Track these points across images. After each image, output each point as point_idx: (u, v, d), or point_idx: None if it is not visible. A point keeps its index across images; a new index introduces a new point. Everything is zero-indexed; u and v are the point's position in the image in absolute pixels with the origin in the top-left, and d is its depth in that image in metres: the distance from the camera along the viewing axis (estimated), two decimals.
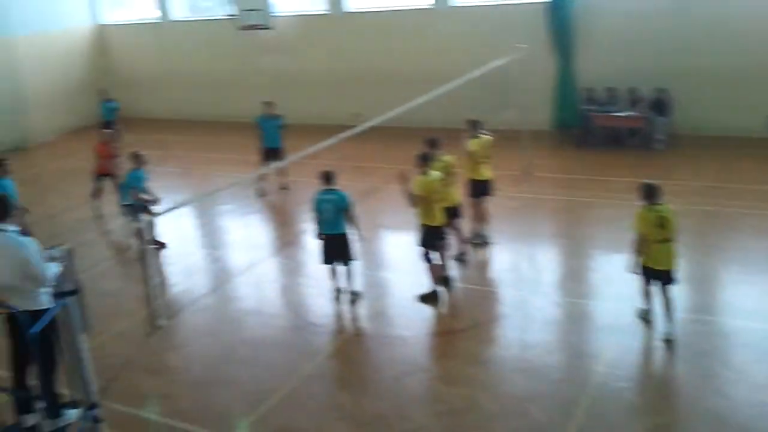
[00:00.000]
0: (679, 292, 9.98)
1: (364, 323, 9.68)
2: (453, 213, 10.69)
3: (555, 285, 10.47)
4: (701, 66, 16.37)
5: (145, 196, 11.94)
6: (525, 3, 17.97)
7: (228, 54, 22.21)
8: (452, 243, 10.74)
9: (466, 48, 18.24)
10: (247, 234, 13.25)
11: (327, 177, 9.94)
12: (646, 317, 8.94)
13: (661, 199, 8.44)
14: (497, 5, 18.39)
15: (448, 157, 10.64)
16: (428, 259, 9.93)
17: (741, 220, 12.02)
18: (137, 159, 12.23)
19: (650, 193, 8.38)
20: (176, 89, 23.41)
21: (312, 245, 12.60)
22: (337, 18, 20.44)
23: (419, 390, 8.07)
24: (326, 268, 10.17)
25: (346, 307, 10.11)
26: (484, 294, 10.36)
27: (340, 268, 10.15)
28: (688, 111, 16.58)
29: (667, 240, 8.37)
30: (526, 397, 7.72)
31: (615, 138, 16.83)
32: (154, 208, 11.90)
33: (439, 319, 9.66)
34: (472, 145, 11.36)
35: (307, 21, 21.06)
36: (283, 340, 9.35)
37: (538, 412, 7.47)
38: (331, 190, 9.89)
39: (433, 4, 19.12)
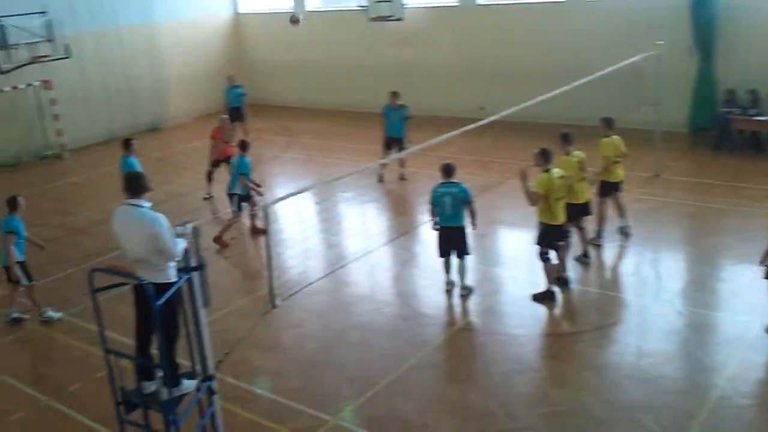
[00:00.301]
0: None
1: (475, 318, 9.58)
2: (581, 211, 10.49)
3: (678, 293, 9.95)
4: None
5: (251, 185, 12.39)
6: None
7: (357, 44, 22.54)
8: (575, 242, 10.52)
9: (600, 44, 17.61)
10: (363, 222, 13.43)
11: (447, 170, 9.93)
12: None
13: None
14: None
15: (579, 153, 10.40)
16: (546, 258, 9.69)
17: None
18: (243, 146, 12.53)
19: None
20: (305, 78, 24.01)
21: (427, 236, 12.68)
22: (467, 10, 20.29)
23: (527, 389, 7.91)
24: (441, 260, 10.13)
25: (457, 301, 10.06)
26: (603, 297, 10.01)
27: (455, 262, 10.08)
28: None
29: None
30: (639, 407, 7.41)
31: (754, 143, 15.83)
32: (257, 197, 12.34)
33: (554, 319, 9.44)
34: (604, 146, 11.05)
35: (437, 12, 21.03)
36: (392, 328, 9.41)
37: (650, 422, 7.15)
38: (451, 183, 9.87)
39: None
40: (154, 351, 7.34)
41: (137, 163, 11.94)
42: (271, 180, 15.51)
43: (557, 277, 9.89)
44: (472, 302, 10.01)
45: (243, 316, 9.80)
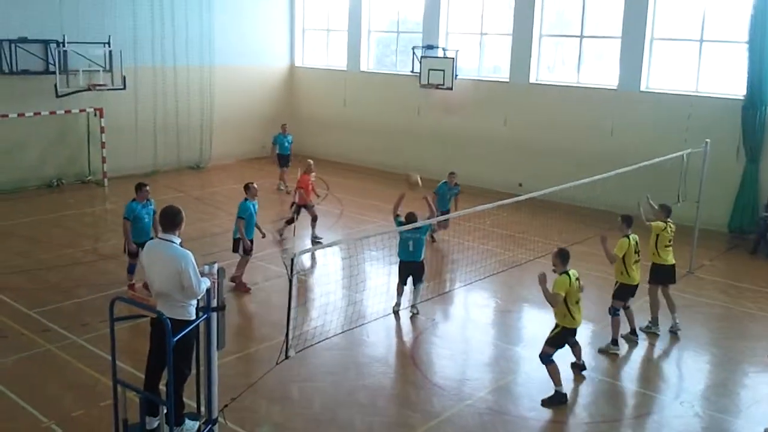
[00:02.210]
0: None
1: (489, 395, 9.40)
2: (631, 292, 10.89)
3: (699, 395, 9.68)
4: None
5: (242, 231, 12.31)
6: (721, 97, 17.20)
7: (405, 108, 22.89)
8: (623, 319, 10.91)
9: (648, 135, 17.69)
10: (388, 282, 13.39)
11: (410, 219, 11.44)
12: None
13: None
14: (690, 95, 17.71)
15: (635, 236, 10.72)
16: (548, 361, 9.32)
17: None
18: (247, 189, 12.61)
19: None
20: (349, 135, 24.38)
21: (449, 305, 12.61)
22: (518, 87, 20.52)
23: None
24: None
25: (472, 374, 9.92)
26: (622, 390, 9.78)
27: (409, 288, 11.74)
28: None
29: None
30: None
31: None
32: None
33: (568, 407, 9.21)
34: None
35: (488, 86, 21.31)
36: (403, 394, 9.28)
37: None
38: (416, 229, 11.09)
39: (616, 87, 18.75)
40: (162, 387, 7.33)
41: (138, 208, 11.80)
42: (300, 231, 15.60)
43: (573, 363, 9.94)
44: (487, 379, 9.86)
45: (255, 362, 9.76)
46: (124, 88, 20.06)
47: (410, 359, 10.39)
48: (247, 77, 24.46)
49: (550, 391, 9.30)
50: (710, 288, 13.48)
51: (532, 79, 20.37)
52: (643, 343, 11.15)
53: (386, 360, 10.29)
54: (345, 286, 13.01)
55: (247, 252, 12.42)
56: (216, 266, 7.14)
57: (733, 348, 11.14)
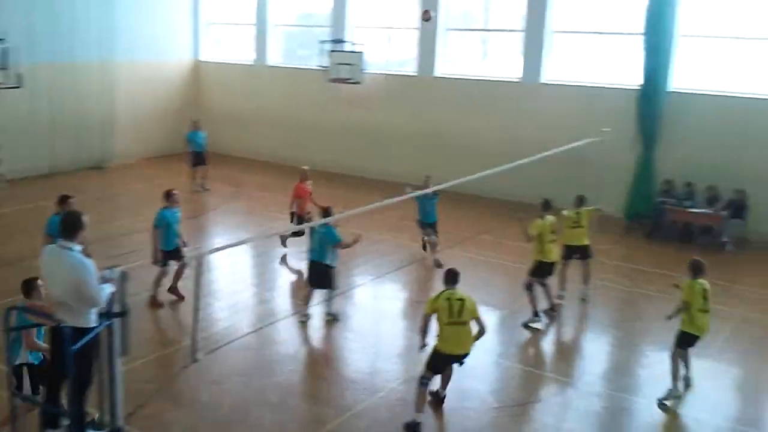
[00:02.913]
0: (728, 401, 9.58)
1: (400, 386, 9.51)
2: (549, 269, 11.57)
3: (600, 375, 10.11)
4: None
5: (156, 241, 11.56)
6: (617, 88, 17.87)
7: (314, 103, 22.80)
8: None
9: (550, 125, 18.20)
10: (299, 279, 13.36)
11: (325, 213, 11.14)
12: (674, 397, 9.18)
13: (705, 275, 9.26)
14: (588, 86, 18.34)
15: (551, 218, 11.52)
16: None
17: None
18: (167, 197, 11.78)
19: (699, 269, 9.26)
20: (258, 130, 24.11)
21: (361, 299, 12.69)
22: (425, 81, 20.75)
23: None
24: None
25: (383, 366, 10.03)
26: (527, 374, 10.09)
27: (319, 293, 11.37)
28: (765, 216, 16.04)
29: (708, 310, 9.18)
30: None
31: (686, 234, 16.37)
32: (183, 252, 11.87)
33: (477, 393, 9.43)
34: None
35: (395, 80, 21.46)
36: (314, 390, 9.31)
37: None
38: (324, 224, 10.89)
39: (520, 78, 19.23)
40: (63, 398, 7.11)
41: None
42: (209, 230, 15.37)
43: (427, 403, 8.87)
44: (399, 370, 9.99)
45: (162, 367, 9.56)
46: (20, 86, 19.19)
47: (321, 355, 10.42)
48: (149, 73, 23.79)
49: (461, 378, 9.52)
50: (610, 272, 14.03)
51: (438, 73, 20.64)
52: (545, 327, 11.53)
53: (297, 357, 10.28)
54: (255, 284, 12.91)
55: (158, 262, 11.67)
56: (117, 271, 6.96)
57: (632, 329, 11.66)
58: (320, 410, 8.79)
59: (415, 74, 21.02)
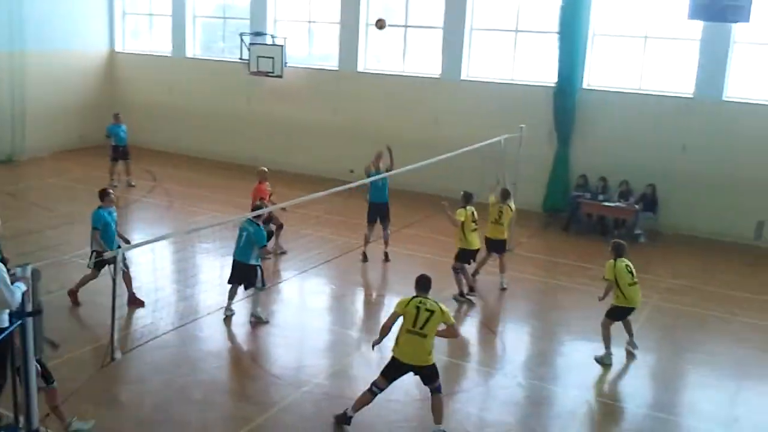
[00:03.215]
0: (642, 388, 9.99)
1: (326, 380, 9.54)
2: (472, 255, 12.34)
3: (521, 365, 10.39)
4: (692, 169, 16.64)
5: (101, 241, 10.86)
6: (534, 85, 18.31)
7: (235, 96, 22.48)
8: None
9: (470, 121, 18.50)
10: (221, 275, 13.18)
11: (255, 209, 11.22)
12: (605, 360, 10.18)
13: (627, 254, 10.34)
14: (507, 83, 18.70)
15: (472, 208, 12.19)
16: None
17: (713, 323, 12.04)
18: (102, 196, 11.21)
19: (620, 250, 10.33)
20: (177, 123, 23.58)
21: (285, 294, 12.63)
22: (347, 76, 20.75)
23: None
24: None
25: (308, 362, 10.04)
26: (450, 365, 10.24)
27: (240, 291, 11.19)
28: (674, 210, 16.79)
29: (635, 283, 10.21)
30: None
31: (601, 227, 16.97)
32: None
33: (402, 384, 9.46)
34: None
35: (317, 75, 21.38)
36: (239, 387, 9.22)
37: None
38: (251, 221, 10.76)
39: (440, 75, 19.46)
40: None
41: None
42: (127, 225, 14.98)
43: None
44: (324, 365, 10.01)
45: (80, 367, 9.25)
46: None
47: (245, 351, 10.33)
48: (62, 64, 22.92)
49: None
50: (528, 264, 14.40)
51: (360, 68, 20.68)
52: (468, 319, 11.78)
53: (221, 354, 10.16)
54: (175, 280, 12.67)
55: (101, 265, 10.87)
56: (29, 268, 6.72)
57: (550, 319, 12.03)
58: (245, 407, 8.72)
59: (337, 69, 20.99)
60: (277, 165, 21.61)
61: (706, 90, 16.52)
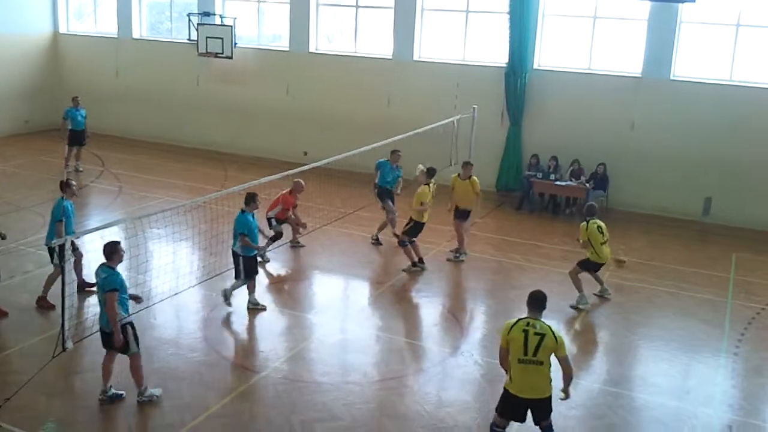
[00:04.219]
0: (596, 364, 10.18)
1: (283, 365, 9.48)
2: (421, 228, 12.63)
3: (477, 344, 10.48)
4: (641, 148, 16.95)
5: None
6: (486, 66, 18.36)
7: (184, 78, 22.08)
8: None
9: (423, 101, 18.51)
10: (174, 261, 13.00)
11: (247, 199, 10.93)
12: (581, 303, 11.41)
13: (599, 215, 11.65)
14: (459, 64, 18.71)
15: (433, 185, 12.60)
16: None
17: (664, 298, 12.32)
18: (63, 187, 10.86)
19: (592, 211, 11.59)
20: (124, 106, 23.08)
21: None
22: (298, 56, 20.53)
23: None
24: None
25: (264, 347, 9.98)
26: (408, 346, 10.31)
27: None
28: (625, 188, 17.11)
29: (607, 241, 11.49)
30: None
31: (553, 206, 17.18)
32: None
33: (360, 367, 9.55)
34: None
35: (268, 55, 21.11)
36: (195, 375, 9.09)
37: None
38: (242, 210, 10.85)
39: (392, 56, 19.37)
40: None
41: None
42: (77, 211, 14.60)
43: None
44: (281, 349, 9.95)
45: (31, 357, 9.04)
46: None
47: (201, 338, 10.19)
48: (4, 47, 22.20)
49: (344, 353, 9.60)
50: (483, 243, 14.52)
51: (311, 48, 20.49)
52: (424, 299, 11.86)
53: (176, 341, 10.00)
54: (127, 267, 12.42)
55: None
56: None
57: (505, 297, 12.15)
58: (202, 394, 8.62)
59: (288, 50, 20.75)
60: (230, 148, 21.43)
61: (654, 69, 16.81)
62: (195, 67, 21.64)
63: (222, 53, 20.69)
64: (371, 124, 18.46)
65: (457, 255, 13.47)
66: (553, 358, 7.01)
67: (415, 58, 19.18)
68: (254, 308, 11.02)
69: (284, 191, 13.29)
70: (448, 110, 15.64)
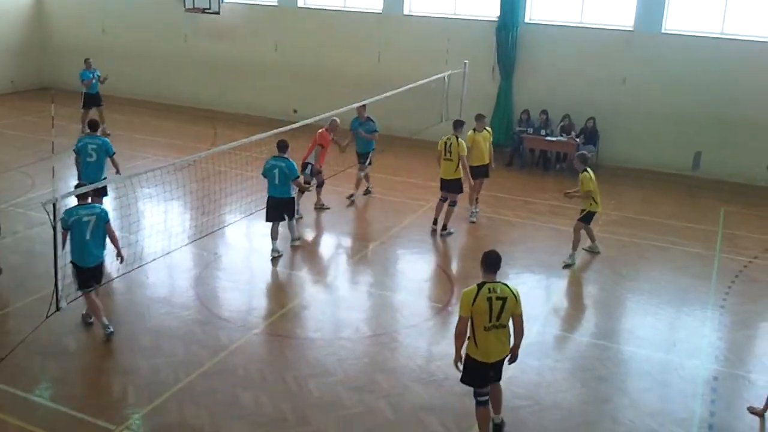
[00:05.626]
0: (584, 317, 10.31)
1: (274, 321, 9.58)
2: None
3: None
4: (632, 102, 16.90)
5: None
6: (477, 19, 18.17)
7: (171, 35, 21.80)
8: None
9: (413, 57, 18.35)
10: (165, 219, 12.99)
11: (280, 145, 11.26)
12: (571, 261, 11.50)
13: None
14: (450, 18, 18.52)
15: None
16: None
17: (654, 252, 12.42)
18: (93, 126, 12.08)
19: (587, 159, 11.59)
20: (111, 64, 22.53)
21: (231, 238, 12.54)
22: (287, 11, 20.27)
23: (321, 393, 8.02)
24: (270, 225, 11.52)
25: (256, 304, 10.06)
26: (398, 302, 10.40)
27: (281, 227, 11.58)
28: (615, 143, 17.10)
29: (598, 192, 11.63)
30: (425, 408, 7.79)
31: (543, 161, 17.19)
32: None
33: (351, 323, 9.65)
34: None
35: (256, 11, 20.83)
36: (188, 333, 9.17)
37: (435, 423, 7.54)
38: (281, 157, 11.16)
39: (381, 10, 19.14)
40: None
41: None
42: (64, 172, 14.57)
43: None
44: (273, 306, 10.04)
45: (25, 317, 9.10)
46: None
47: (194, 296, 10.25)
48: None
49: (336, 310, 9.68)
50: None
51: (300, 3, 20.21)
52: (415, 255, 11.92)
53: (168, 300, 10.07)
54: (118, 227, 12.41)
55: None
56: None
57: None
58: (195, 351, 8.71)
59: (277, 5, 20.47)
60: (218, 106, 21.26)
61: (645, 23, 16.68)
62: (182, 23, 21.35)
63: (209, 8, 20.42)
64: (362, 80, 18.31)
65: (473, 212, 13.61)
66: None
67: (406, 11, 18.96)
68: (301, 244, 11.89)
69: (320, 130, 13.10)
70: (440, 65, 15.51)
